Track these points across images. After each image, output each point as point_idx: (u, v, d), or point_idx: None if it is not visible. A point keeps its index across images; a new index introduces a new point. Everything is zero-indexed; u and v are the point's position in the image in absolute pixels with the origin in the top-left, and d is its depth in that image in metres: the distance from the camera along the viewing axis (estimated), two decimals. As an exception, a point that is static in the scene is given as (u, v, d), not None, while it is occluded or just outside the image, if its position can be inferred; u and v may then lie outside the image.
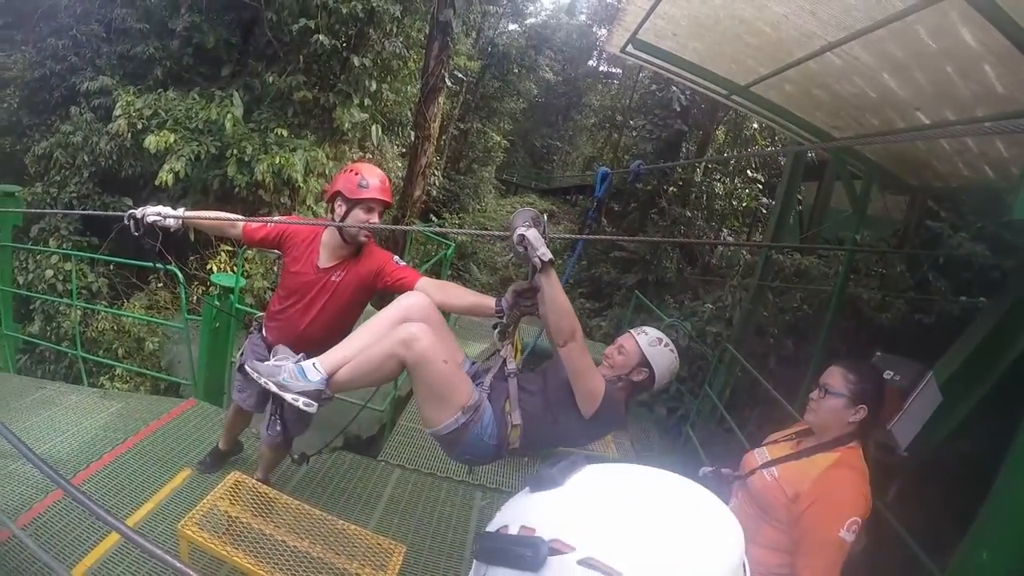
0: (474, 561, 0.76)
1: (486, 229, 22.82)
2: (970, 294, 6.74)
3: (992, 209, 5.84)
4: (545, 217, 2.25)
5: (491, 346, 7.22)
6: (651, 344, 2.44)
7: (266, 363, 2.43)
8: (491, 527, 0.76)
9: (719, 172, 16.13)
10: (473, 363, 2.61)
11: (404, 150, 13.35)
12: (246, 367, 2.52)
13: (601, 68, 34.72)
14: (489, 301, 2.52)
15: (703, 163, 15.47)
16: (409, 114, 12.30)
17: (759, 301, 7.54)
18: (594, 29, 32.92)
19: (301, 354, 2.52)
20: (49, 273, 9.06)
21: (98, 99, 9.93)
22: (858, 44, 3.05)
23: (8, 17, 12.08)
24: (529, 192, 33.06)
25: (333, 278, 2.93)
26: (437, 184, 18.43)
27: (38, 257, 9.15)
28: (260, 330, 3.21)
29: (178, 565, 1.36)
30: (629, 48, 4.51)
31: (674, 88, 14.42)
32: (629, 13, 4.00)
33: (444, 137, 18.15)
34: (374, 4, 9.29)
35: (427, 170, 12.39)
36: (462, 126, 22.40)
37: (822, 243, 8.69)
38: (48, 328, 8.89)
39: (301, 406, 2.31)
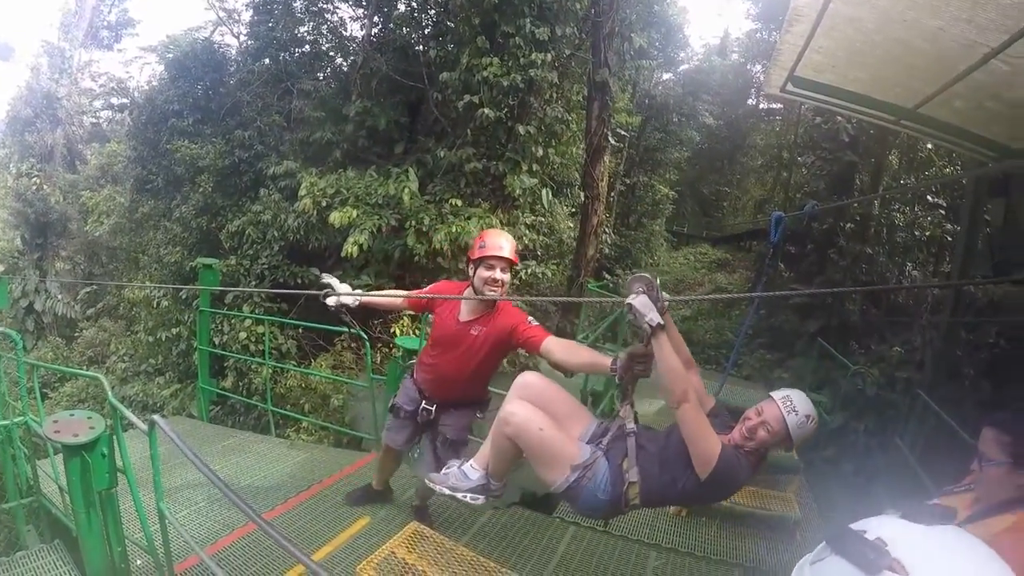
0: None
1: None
2: None
3: None
4: (658, 280, 2.34)
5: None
6: (799, 425, 2.34)
7: (439, 474, 2.85)
8: (854, 526, 0.98)
9: (897, 201, 14.85)
10: (600, 423, 2.72)
11: (574, 210, 13.49)
12: (426, 480, 2.95)
13: (761, 106, 33.51)
14: (606, 362, 2.63)
15: (877, 197, 14.26)
16: (577, 175, 12.51)
17: (952, 340, 6.75)
18: (748, 67, 32.02)
19: (463, 459, 2.92)
20: (243, 335, 9.92)
21: (283, 181, 11.00)
22: (1023, 45, 2.79)
23: (197, 114, 13.85)
24: (701, 242, 32.07)
25: (472, 331, 3.27)
26: (608, 241, 18.49)
27: (233, 321, 10.02)
28: (412, 375, 3.65)
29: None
30: (789, 87, 4.41)
31: (839, 118, 13.55)
32: (784, 52, 3.93)
33: (612, 194, 18.22)
34: (532, 74, 9.56)
35: (598, 229, 12.46)
36: (628, 181, 22.41)
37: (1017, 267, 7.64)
38: (240, 384, 9.69)
39: (469, 501, 2.73)
